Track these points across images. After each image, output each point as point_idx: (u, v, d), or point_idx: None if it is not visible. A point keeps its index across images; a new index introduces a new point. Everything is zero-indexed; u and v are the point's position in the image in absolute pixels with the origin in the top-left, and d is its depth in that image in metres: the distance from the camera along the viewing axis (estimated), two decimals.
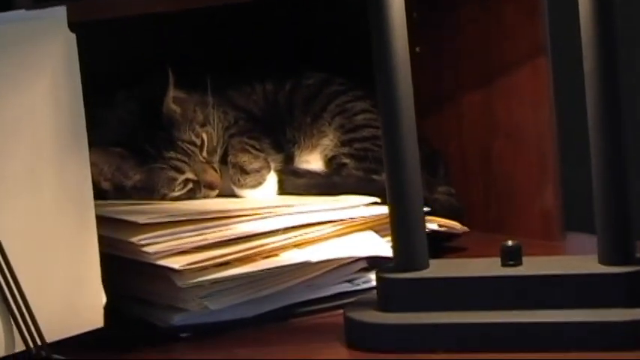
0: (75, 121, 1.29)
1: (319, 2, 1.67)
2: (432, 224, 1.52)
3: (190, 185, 1.54)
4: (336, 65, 1.72)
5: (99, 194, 1.40)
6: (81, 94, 1.28)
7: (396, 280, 1.31)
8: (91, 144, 1.31)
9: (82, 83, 1.28)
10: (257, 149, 1.59)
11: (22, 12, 1.26)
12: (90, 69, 1.29)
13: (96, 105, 1.39)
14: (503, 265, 1.29)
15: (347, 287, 1.46)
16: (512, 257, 1.29)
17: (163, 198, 1.53)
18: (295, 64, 1.72)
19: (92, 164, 1.32)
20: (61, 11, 1.26)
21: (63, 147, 1.27)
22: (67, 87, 1.27)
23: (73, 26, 1.27)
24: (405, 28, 1.31)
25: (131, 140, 1.53)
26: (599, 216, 1.27)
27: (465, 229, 1.61)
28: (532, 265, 1.29)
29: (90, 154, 1.30)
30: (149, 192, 1.53)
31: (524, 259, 1.29)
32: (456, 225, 1.60)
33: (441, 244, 1.55)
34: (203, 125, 1.56)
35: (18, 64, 1.23)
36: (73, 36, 1.26)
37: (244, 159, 1.56)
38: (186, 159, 1.54)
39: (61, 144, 1.27)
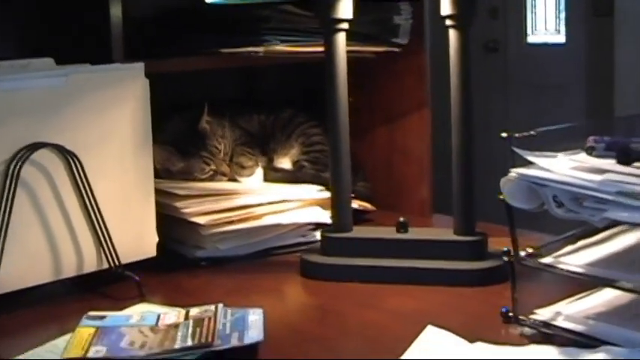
0: (145, 135, 1.29)
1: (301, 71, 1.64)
2: (354, 204, 1.50)
3: (211, 173, 1.51)
4: (301, 106, 1.69)
5: (154, 174, 1.35)
6: (149, 118, 1.28)
7: (334, 238, 1.33)
8: (156, 143, 1.31)
9: (154, 108, 1.27)
10: (251, 154, 1.57)
11: (114, 65, 1.28)
12: (157, 100, 1.28)
13: (162, 121, 1.39)
14: (397, 232, 1.32)
15: (302, 239, 1.46)
16: (403, 228, 1.32)
17: (194, 179, 1.49)
18: (277, 103, 1.69)
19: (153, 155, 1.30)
20: (139, 66, 1.27)
21: (137, 148, 1.28)
22: (141, 113, 1.27)
23: (148, 75, 1.26)
24: (346, 88, 1.33)
25: (179, 143, 1.50)
26: (456, 207, 1.29)
27: (374, 208, 1.60)
28: (415, 233, 1.32)
29: (153, 150, 1.30)
30: (187, 175, 1.49)
31: (410, 229, 1.32)
32: (368, 206, 1.60)
33: (359, 217, 1.54)
34: (222, 137, 1.54)
35: (110, 98, 1.23)
36: (147, 81, 1.26)
37: (242, 160, 1.55)
38: (212, 157, 1.51)
39: (136, 147, 1.27)
